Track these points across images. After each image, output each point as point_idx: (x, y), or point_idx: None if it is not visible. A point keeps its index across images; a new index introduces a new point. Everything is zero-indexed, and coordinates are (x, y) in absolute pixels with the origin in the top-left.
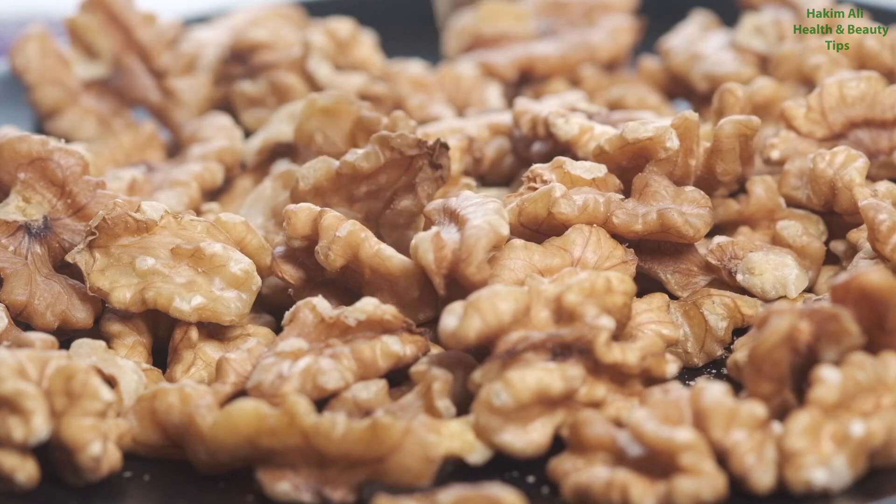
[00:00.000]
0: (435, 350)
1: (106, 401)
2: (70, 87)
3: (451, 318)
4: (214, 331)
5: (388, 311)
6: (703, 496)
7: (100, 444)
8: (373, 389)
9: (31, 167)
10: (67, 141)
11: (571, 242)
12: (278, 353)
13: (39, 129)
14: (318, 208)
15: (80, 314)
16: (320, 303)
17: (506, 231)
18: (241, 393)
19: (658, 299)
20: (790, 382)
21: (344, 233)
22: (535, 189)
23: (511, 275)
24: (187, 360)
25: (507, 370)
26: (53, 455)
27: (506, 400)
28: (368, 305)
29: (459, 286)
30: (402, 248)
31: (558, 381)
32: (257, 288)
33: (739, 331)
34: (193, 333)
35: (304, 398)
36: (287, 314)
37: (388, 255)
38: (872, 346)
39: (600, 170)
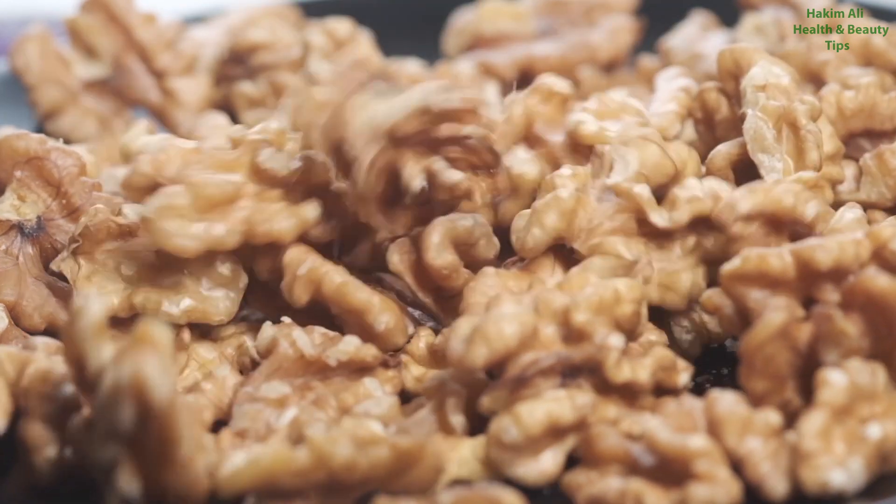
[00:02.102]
0: (414, 367)
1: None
2: (70, 88)
3: (459, 342)
4: (207, 331)
5: (369, 352)
6: (718, 503)
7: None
8: (384, 405)
9: (28, 166)
10: (66, 142)
11: (542, 268)
12: (263, 398)
13: (39, 129)
14: None
15: None
16: (301, 338)
17: (468, 222)
18: (216, 421)
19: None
20: (794, 384)
21: (304, 271)
22: None
23: (486, 300)
24: (180, 362)
25: (516, 399)
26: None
27: (515, 435)
28: (350, 346)
29: (442, 293)
30: None
31: (568, 411)
32: (244, 285)
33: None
34: (186, 335)
35: (332, 436)
36: (263, 340)
37: (351, 291)
38: (886, 357)
39: None
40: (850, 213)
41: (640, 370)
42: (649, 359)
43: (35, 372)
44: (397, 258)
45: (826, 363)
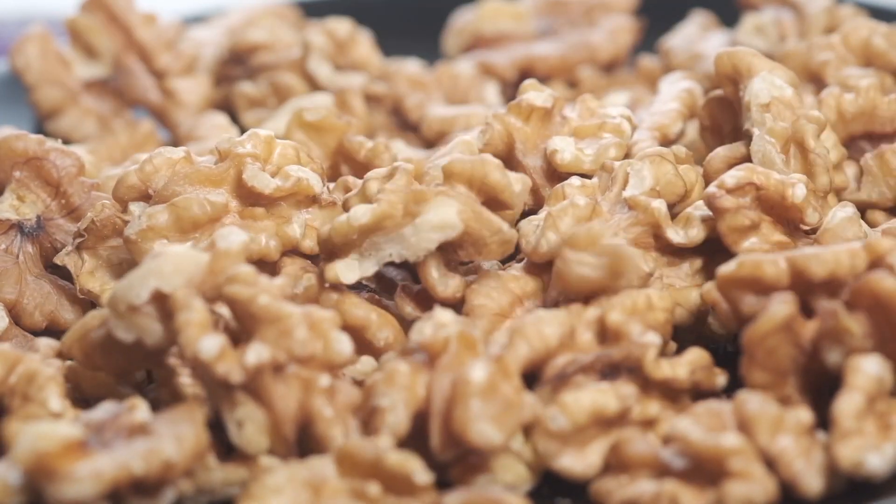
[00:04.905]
0: None
1: (51, 411)
2: (70, 88)
3: (494, 346)
4: None
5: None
6: (756, 500)
7: None
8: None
9: (27, 166)
10: (66, 142)
11: (545, 273)
12: None
13: (39, 129)
14: None
15: (69, 315)
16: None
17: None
18: None
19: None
20: (794, 381)
21: (300, 289)
22: None
23: (491, 302)
24: None
25: (560, 394)
26: None
27: (563, 423)
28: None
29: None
30: None
31: (613, 400)
32: None
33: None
34: None
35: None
36: None
37: (348, 308)
38: (890, 359)
39: None
40: (843, 211)
41: (678, 368)
42: (686, 356)
43: (24, 371)
44: (409, 309)
45: (828, 362)
